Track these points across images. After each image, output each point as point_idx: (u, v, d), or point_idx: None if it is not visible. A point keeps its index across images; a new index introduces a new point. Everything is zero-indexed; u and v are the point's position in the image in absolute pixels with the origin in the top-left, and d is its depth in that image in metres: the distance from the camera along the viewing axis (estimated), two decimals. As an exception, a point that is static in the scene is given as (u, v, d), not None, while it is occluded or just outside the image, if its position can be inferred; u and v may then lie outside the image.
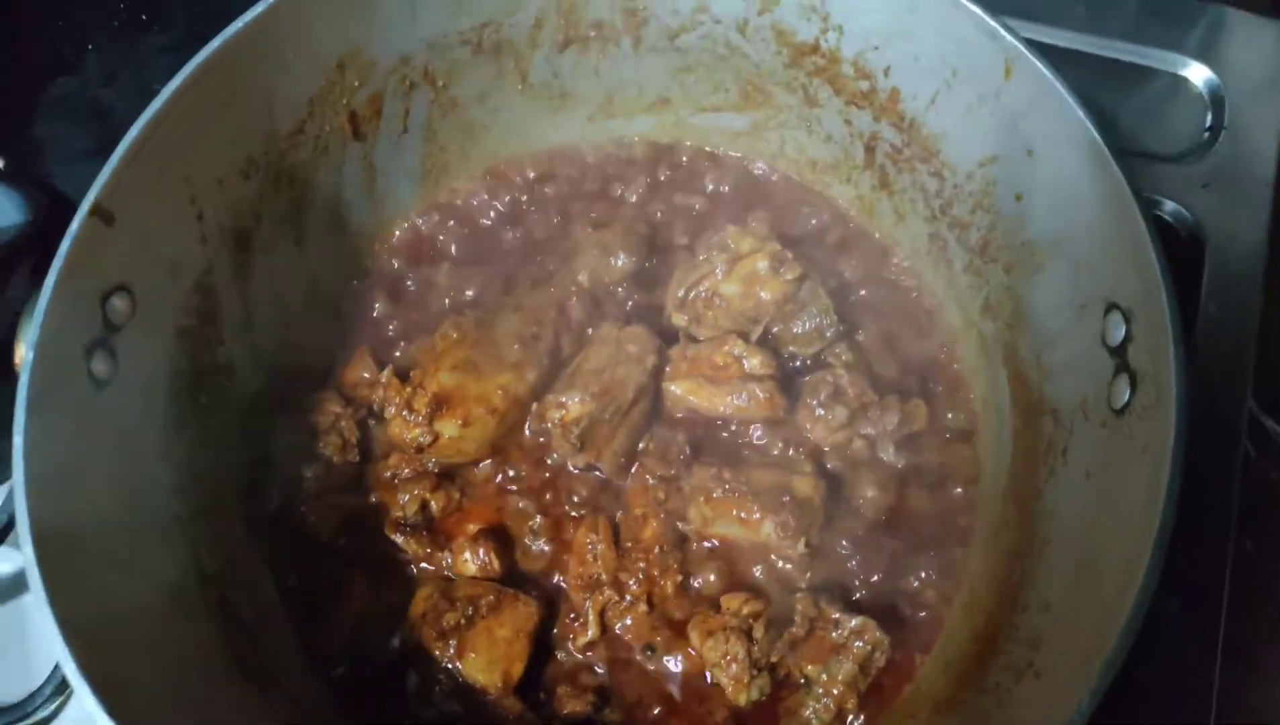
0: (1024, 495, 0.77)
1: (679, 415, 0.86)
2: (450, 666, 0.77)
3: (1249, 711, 0.89)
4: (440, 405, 0.82)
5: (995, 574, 0.77)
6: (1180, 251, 1.04)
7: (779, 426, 0.85)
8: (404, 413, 0.82)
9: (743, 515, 0.80)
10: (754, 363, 0.84)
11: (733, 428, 0.85)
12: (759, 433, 0.85)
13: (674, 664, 0.79)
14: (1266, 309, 1.04)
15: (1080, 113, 0.67)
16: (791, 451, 0.84)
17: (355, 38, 0.81)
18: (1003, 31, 0.70)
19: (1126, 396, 0.66)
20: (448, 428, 0.82)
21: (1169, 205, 1.05)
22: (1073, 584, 0.67)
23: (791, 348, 0.87)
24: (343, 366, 0.89)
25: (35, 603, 0.59)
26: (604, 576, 0.80)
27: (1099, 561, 0.65)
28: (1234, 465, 0.96)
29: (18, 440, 0.62)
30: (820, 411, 0.83)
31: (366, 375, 0.88)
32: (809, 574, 0.80)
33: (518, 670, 0.77)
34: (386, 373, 0.86)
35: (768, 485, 0.81)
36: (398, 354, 0.90)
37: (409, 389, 0.83)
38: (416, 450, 0.83)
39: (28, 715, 0.81)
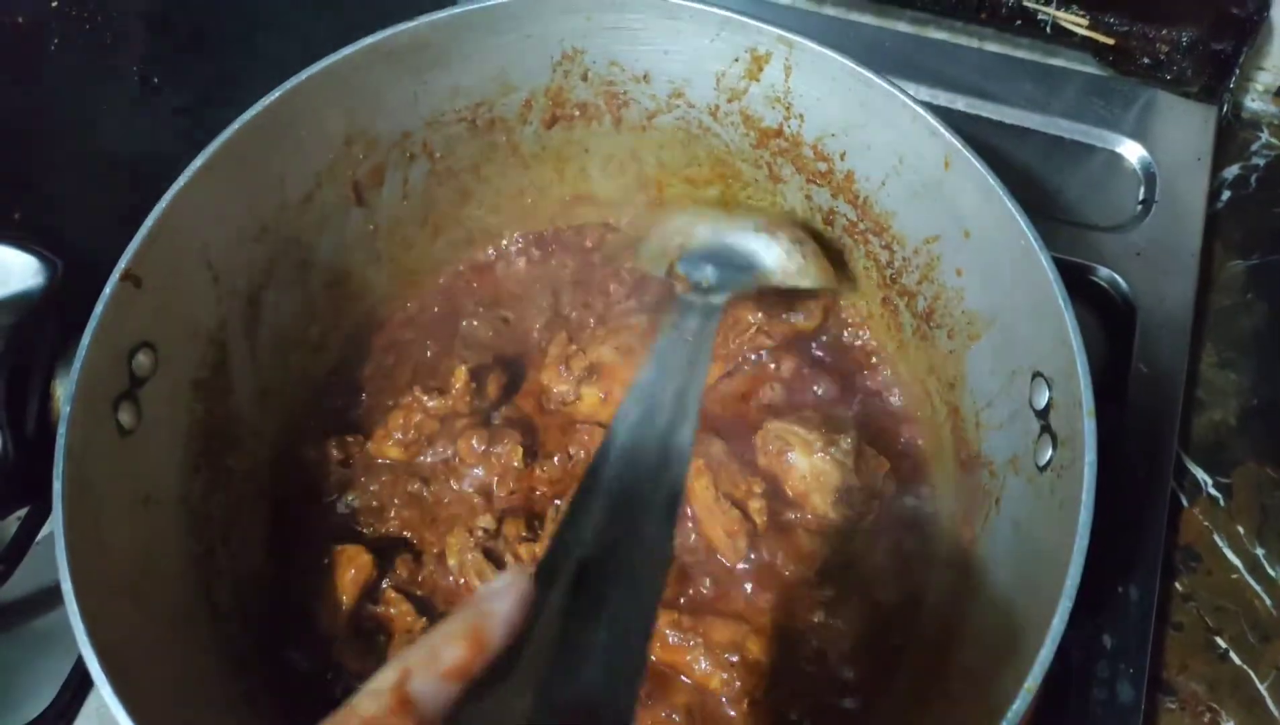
0: (963, 541, 0.84)
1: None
2: None
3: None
4: (593, 373, 0.93)
5: (939, 612, 0.84)
6: (1114, 314, 1.14)
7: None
8: (560, 366, 0.93)
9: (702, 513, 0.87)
10: None
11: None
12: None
13: None
14: (1192, 368, 1.13)
15: (1011, 206, 0.75)
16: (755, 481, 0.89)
17: (361, 118, 0.89)
18: (942, 129, 0.79)
19: (1049, 455, 0.73)
20: (591, 394, 0.93)
21: (1104, 271, 1.14)
22: (1004, 621, 0.74)
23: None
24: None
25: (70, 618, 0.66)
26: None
27: (1026, 600, 0.72)
28: (1162, 511, 1.05)
29: (56, 485, 0.69)
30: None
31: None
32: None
33: None
34: (563, 333, 0.96)
35: (735, 497, 0.87)
36: None
37: (574, 347, 0.94)
38: (559, 403, 0.94)
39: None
